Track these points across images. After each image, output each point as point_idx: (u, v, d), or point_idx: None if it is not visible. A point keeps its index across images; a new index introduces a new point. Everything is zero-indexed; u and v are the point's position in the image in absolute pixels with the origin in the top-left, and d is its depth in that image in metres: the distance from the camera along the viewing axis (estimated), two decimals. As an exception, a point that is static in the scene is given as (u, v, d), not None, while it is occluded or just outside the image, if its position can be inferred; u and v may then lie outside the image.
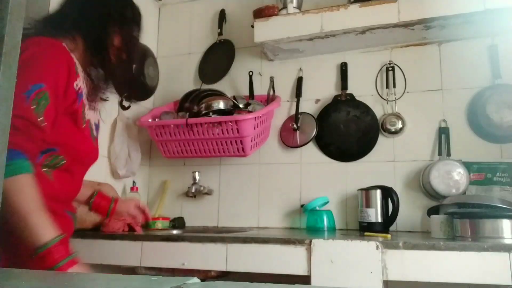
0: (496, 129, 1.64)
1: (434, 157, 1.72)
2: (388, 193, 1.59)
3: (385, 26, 1.66)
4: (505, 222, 1.16)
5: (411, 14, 1.60)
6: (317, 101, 1.94)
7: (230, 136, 1.71)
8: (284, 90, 1.99)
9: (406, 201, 1.70)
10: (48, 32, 1.04)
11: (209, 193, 1.97)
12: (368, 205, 1.59)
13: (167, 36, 2.28)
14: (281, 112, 1.97)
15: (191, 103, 1.87)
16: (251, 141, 1.75)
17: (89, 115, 1.13)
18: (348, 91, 1.89)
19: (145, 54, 2.01)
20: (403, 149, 1.78)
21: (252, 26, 1.85)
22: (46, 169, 1.01)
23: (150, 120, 1.87)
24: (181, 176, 2.06)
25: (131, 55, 1.20)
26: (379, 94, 1.85)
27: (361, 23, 1.67)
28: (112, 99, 1.82)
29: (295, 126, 1.89)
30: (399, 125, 1.78)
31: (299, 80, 1.97)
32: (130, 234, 1.46)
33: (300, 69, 1.99)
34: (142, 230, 1.57)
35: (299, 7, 1.85)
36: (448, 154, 1.68)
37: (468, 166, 1.62)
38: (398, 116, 1.79)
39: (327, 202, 1.78)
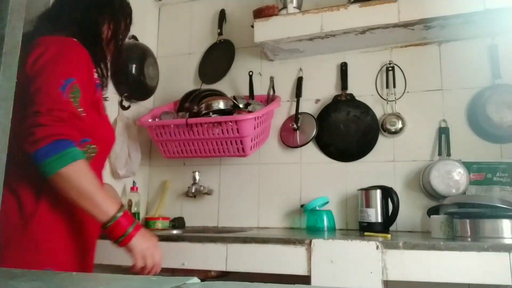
0: (496, 129, 1.64)
1: (434, 157, 1.72)
2: (388, 193, 1.59)
3: (385, 26, 1.66)
4: (505, 222, 1.16)
5: (411, 14, 1.60)
6: (317, 101, 1.94)
7: (230, 136, 1.71)
8: (284, 90, 1.99)
9: (406, 201, 1.70)
10: (52, 30, 1.07)
11: (209, 193, 1.97)
12: (368, 205, 1.59)
13: (167, 36, 2.28)
14: (281, 112, 1.97)
15: (191, 103, 1.87)
16: (251, 141, 1.75)
17: None
18: (348, 91, 1.89)
19: (145, 54, 2.01)
20: (403, 149, 1.78)
21: (252, 26, 1.85)
22: None
23: (150, 120, 1.86)
24: (181, 176, 2.06)
25: (121, 46, 1.23)
26: (379, 94, 1.85)
27: (361, 23, 1.67)
28: (112, 99, 1.84)
29: (295, 126, 1.89)
30: (399, 125, 1.78)
31: (299, 80, 1.97)
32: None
33: (300, 69, 1.99)
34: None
35: (299, 7, 1.85)
36: (448, 154, 1.68)
37: (468, 166, 1.62)
38: (398, 116, 1.79)
39: (327, 202, 1.78)
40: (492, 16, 1.56)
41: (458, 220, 1.24)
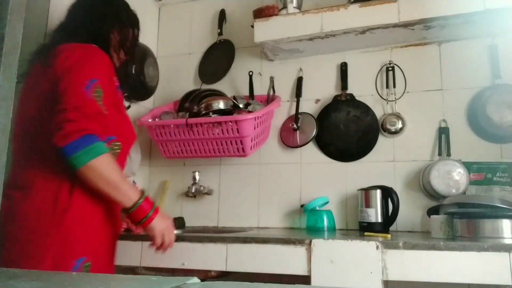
0: (496, 129, 1.64)
1: (434, 157, 1.72)
2: (388, 193, 1.59)
3: (385, 26, 1.66)
4: (505, 222, 1.16)
5: (411, 14, 1.60)
6: (317, 101, 1.94)
7: (230, 136, 1.71)
8: (284, 90, 1.99)
9: (406, 201, 1.70)
10: (69, 40, 1.16)
11: (209, 193, 1.97)
12: (368, 205, 1.59)
13: (167, 36, 2.28)
14: (281, 112, 1.97)
15: (191, 103, 1.87)
16: (251, 141, 1.75)
17: None
18: (348, 91, 1.89)
19: (145, 54, 2.01)
20: (403, 149, 1.78)
21: (252, 26, 1.85)
22: None
23: (150, 120, 1.87)
24: (181, 176, 2.06)
25: (130, 55, 1.33)
26: (379, 94, 1.85)
27: (361, 23, 1.67)
28: (112, 99, 1.84)
29: (295, 126, 1.89)
30: (399, 125, 1.78)
31: (299, 80, 1.97)
32: (130, 234, 1.46)
33: (300, 69, 1.99)
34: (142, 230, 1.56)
35: (299, 7, 1.85)
36: (448, 154, 1.68)
37: (468, 166, 1.62)
38: (398, 116, 1.79)
39: (327, 202, 1.78)
40: (492, 16, 1.56)
41: (458, 220, 1.24)
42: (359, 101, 1.86)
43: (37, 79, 1.13)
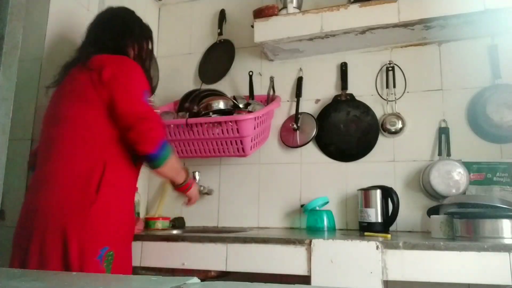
0: (496, 129, 1.64)
1: (434, 157, 1.72)
2: (388, 193, 1.59)
3: (385, 26, 1.66)
4: (505, 222, 1.16)
5: (411, 14, 1.60)
6: (317, 101, 1.94)
7: (230, 136, 1.71)
8: (284, 90, 1.99)
9: (406, 201, 1.70)
10: (95, 53, 1.28)
11: (209, 193, 1.97)
12: (368, 205, 1.59)
13: (167, 36, 2.28)
14: (281, 112, 1.97)
15: (191, 103, 1.87)
16: (251, 141, 1.75)
17: None
18: (348, 91, 1.89)
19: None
20: (403, 149, 1.78)
21: (252, 26, 1.85)
22: None
23: (150, 120, 1.86)
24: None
25: (148, 64, 1.45)
26: (379, 94, 1.85)
27: (361, 23, 1.67)
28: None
29: (295, 126, 1.89)
30: (399, 125, 1.78)
31: (299, 80, 1.97)
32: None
33: (300, 69, 1.99)
34: (142, 231, 1.60)
35: (299, 7, 1.85)
36: (448, 154, 1.68)
37: (468, 166, 1.62)
38: (398, 116, 1.79)
39: (327, 202, 1.78)
40: (492, 16, 1.56)
41: (458, 220, 1.24)
42: (359, 101, 1.86)
43: (76, 82, 1.24)
